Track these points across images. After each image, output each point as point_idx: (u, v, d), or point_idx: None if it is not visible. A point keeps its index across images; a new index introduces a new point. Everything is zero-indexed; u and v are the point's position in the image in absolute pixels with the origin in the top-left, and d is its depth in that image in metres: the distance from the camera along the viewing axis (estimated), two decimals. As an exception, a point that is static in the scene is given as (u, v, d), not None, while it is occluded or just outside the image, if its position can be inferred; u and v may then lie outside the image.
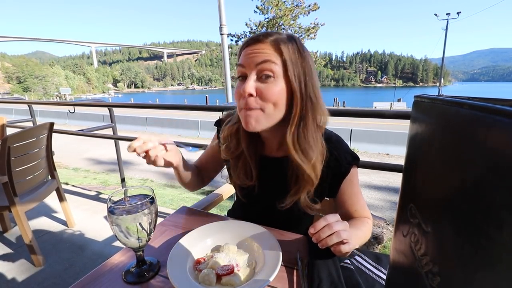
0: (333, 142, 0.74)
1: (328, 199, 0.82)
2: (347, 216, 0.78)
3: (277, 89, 0.64)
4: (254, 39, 0.65)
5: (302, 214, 0.79)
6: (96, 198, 2.90)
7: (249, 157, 0.76)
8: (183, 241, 0.67)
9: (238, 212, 0.98)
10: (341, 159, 0.73)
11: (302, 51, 0.66)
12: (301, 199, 0.72)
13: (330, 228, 0.56)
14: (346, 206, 0.77)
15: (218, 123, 0.88)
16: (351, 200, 0.77)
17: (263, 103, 0.64)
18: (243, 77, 0.66)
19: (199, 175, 0.90)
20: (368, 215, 0.78)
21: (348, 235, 0.57)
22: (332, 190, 0.77)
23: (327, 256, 0.63)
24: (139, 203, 0.57)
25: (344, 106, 24.41)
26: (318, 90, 0.68)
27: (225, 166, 0.91)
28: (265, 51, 0.63)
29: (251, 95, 0.64)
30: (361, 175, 4.55)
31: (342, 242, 0.56)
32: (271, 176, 0.78)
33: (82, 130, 2.71)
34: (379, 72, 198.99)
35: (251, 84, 0.63)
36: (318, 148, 0.68)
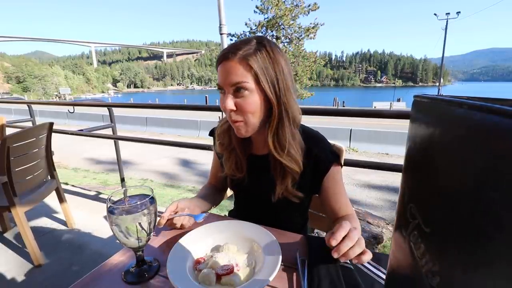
0: (313, 139, 0.79)
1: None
2: (332, 213, 0.81)
3: (252, 100, 0.70)
4: (223, 56, 0.69)
5: (291, 205, 0.82)
6: (96, 198, 2.89)
7: (240, 153, 0.82)
8: (183, 241, 0.67)
9: (238, 211, 1.01)
10: (320, 157, 0.77)
11: (272, 54, 0.70)
12: (287, 188, 0.77)
13: (351, 239, 0.55)
14: (331, 203, 0.81)
15: (212, 133, 0.94)
16: (335, 197, 0.80)
17: (243, 116, 0.71)
18: (223, 91, 0.72)
19: (217, 190, 1.00)
20: (352, 211, 0.81)
21: (363, 243, 0.56)
22: (315, 187, 0.81)
23: (326, 256, 0.63)
24: (138, 203, 0.57)
25: (343, 106, 24.41)
26: (291, 91, 0.72)
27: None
28: (235, 71, 0.68)
29: (231, 110, 0.70)
30: (361, 175, 4.56)
31: (362, 253, 0.55)
32: (258, 171, 0.84)
33: (81, 130, 2.71)
34: (379, 72, 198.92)
35: (230, 101, 0.70)
36: (297, 142, 0.75)
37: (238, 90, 0.69)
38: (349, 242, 0.54)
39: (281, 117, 0.72)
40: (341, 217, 0.79)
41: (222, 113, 0.89)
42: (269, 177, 0.79)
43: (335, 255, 0.54)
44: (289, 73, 0.72)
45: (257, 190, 0.85)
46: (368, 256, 0.55)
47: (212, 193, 0.96)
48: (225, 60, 0.69)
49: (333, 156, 0.79)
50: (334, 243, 0.55)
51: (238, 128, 0.73)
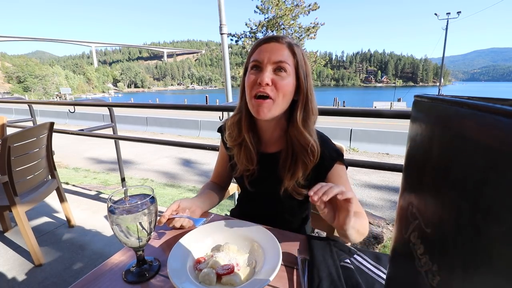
0: (319, 139, 0.81)
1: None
2: None
3: (288, 82, 0.75)
4: (272, 38, 0.76)
5: (294, 203, 0.86)
6: (96, 197, 2.90)
7: (250, 143, 0.83)
8: (183, 240, 0.67)
9: (241, 208, 1.02)
10: (325, 155, 0.80)
11: (305, 58, 0.79)
12: (290, 186, 0.80)
13: (327, 185, 0.57)
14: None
15: (220, 130, 0.97)
16: None
17: (276, 93, 0.74)
18: (257, 68, 0.75)
19: (219, 188, 1.01)
20: (361, 209, 0.79)
21: (351, 194, 0.57)
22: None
23: (327, 255, 0.63)
24: (139, 202, 0.57)
25: (344, 106, 24.40)
26: (313, 91, 0.81)
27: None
28: (281, 52, 0.74)
29: (267, 84, 0.73)
30: (361, 175, 4.56)
31: (348, 201, 0.56)
32: (268, 169, 0.85)
33: (82, 129, 2.71)
34: (379, 71, 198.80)
35: (268, 75, 0.73)
36: (314, 129, 0.81)
37: (278, 69, 0.74)
38: (325, 187, 0.57)
39: (307, 100, 0.78)
40: None
41: (223, 113, 0.89)
42: (278, 175, 0.81)
43: (316, 198, 0.56)
44: (311, 76, 0.80)
45: (264, 187, 0.87)
46: (354, 205, 0.56)
47: (214, 191, 0.96)
48: (272, 41, 0.75)
49: (336, 154, 0.81)
50: (312, 193, 0.57)
51: (264, 106, 0.74)
